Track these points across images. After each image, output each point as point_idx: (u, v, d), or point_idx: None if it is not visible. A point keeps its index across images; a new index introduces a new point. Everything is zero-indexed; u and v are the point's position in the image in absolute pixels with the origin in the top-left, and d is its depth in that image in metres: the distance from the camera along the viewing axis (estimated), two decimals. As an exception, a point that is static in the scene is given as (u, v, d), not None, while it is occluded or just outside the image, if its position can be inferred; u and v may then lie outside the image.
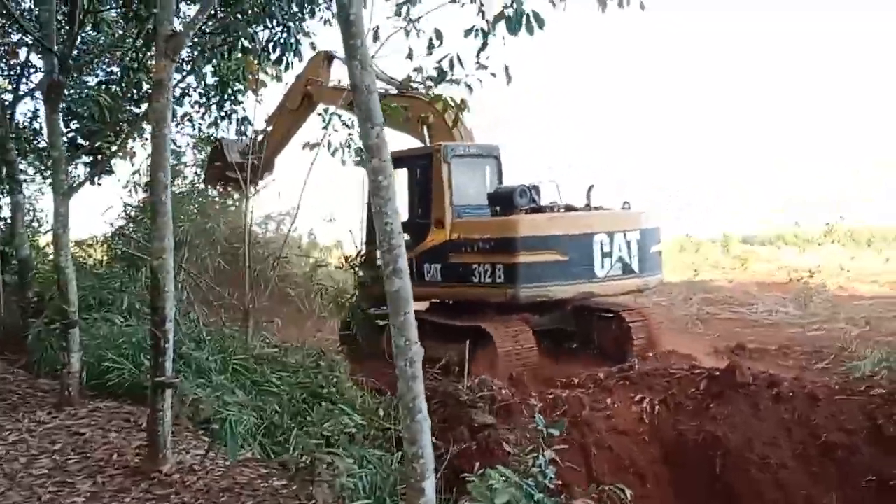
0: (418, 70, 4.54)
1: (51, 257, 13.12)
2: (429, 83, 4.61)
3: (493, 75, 4.72)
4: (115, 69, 9.29)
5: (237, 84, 7.83)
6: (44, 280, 11.03)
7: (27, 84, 11.83)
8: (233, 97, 8.30)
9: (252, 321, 8.42)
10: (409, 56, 5.90)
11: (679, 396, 7.53)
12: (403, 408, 3.41)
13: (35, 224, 14.19)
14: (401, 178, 11.45)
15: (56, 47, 6.67)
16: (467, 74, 4.76)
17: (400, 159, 10.96)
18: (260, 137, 14.32)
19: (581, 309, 10.63)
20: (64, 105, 13.20)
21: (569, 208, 10.88)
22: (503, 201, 10.85)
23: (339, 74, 11.25)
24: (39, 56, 11.56)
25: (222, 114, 8.29)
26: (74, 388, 6.86)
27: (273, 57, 6.78)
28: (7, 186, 11.66)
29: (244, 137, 8.30)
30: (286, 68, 6.93)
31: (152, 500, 4.64)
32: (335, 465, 4.64)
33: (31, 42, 10.31)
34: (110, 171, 14.56)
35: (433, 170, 10.76)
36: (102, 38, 8.41)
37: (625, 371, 7.97)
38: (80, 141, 13.64)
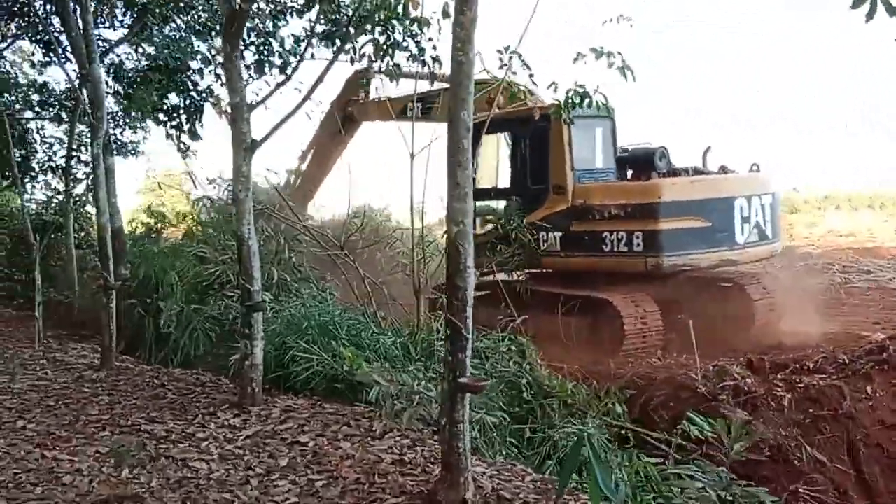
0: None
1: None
2: None
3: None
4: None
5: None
6: (134, 256, 9.94)
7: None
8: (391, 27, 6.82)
9: (423, 300, 7.23)
10: None
11: (955, 378, 6.40)
12: None
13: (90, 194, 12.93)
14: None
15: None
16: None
17: (504, 122, 9.70)
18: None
19: (690, 279, 9.78)
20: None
21: (698, 172, 10.09)
22: (639, 164, 10.16)
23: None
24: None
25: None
26: (258, 385, 5.69)
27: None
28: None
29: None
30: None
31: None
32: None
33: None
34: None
35: (551, 132, 9.81)
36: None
37: (874, 352, 6.79)
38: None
